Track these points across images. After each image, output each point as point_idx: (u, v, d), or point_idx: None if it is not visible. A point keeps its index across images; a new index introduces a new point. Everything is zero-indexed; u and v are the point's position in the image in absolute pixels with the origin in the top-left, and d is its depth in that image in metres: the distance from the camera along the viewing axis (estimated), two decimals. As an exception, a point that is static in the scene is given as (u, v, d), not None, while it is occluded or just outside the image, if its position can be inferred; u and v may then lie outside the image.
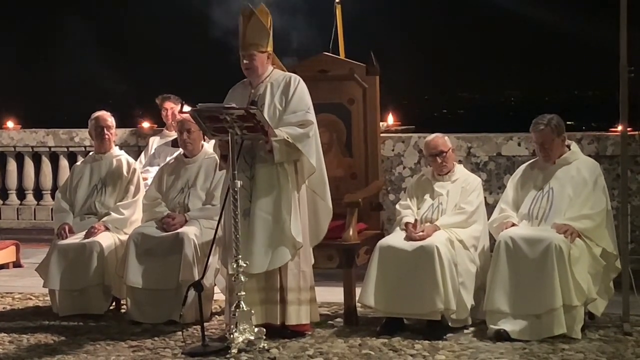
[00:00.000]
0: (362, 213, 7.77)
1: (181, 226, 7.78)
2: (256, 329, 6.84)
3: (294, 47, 8.27)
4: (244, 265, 6.83)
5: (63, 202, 8.37)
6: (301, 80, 7.23)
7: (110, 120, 8.45)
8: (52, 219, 10.03)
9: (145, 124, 11.29)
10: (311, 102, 7.20)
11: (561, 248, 6.93)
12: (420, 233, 7.23)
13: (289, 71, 7.41)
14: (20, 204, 12.28)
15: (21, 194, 12.33)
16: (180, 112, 9.60)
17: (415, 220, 7.39)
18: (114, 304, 8.16)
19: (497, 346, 6.86)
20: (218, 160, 7.50)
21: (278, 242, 7.04)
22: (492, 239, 7.45)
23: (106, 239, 8.00)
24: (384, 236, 7.63)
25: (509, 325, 6.99)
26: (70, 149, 11.92)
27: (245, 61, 7.16)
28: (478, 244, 7.42)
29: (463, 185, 7.59)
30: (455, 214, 7.44)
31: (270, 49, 7.21)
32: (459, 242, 7.29)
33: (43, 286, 8.12)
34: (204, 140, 8.14)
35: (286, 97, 7.15)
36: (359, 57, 8.26)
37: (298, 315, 7.14)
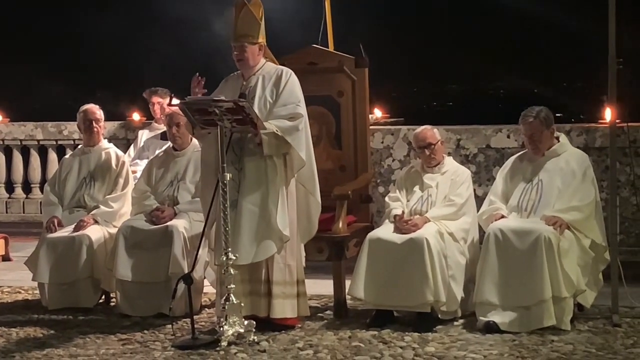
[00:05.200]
0: (351, 205, 7.77)
1: (170, 219, 7.78)
2: (246, 322, 6.84)
3: (283, 40, 8.27)
4: (234, 257, 6.83)
5: (52, 196, 8.36)
6: (293, 74, 7.22)
7: (99, 113, 8.44)
8: (41, 213, 10.00)
9: (136, 116, 11.26)
10: (302, 95, 7.19)
11: (550, 240, 6.94)
12: (408, 226, 7.24)
13: (278, 63, 7.40)
14: (9, 198, 12.24)
15: (10, 187, 12.29)
16: (169, 104, 9.58)
17: (402, 212, 7.39)
18: (103, 297, 8.15)
19: (486, 338, 6.87)
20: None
21: (264, 235, 7.04)
22: (482, 231, 7.46)
23: (95, 232, 7.99)
24: (373, 229, 7.64)
25: (499, 317, 7.00)
26: (59, 142, 11.89)
27: (235, 52, 7.17)
28: (467, 236, 7.43)
29: (452, 177, 7.60)
30: (445, 206, 7.45)
31: (262, 40, 7.21)
32: (448, 234, 7.29)
33: (32, 279, 8.11)
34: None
35: (277, 90, 7.15)
36: (348, 49, 8.25)
37: (283, 309, 7.13)
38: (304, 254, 7.31)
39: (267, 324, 7.10)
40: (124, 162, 8.41)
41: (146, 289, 7.70)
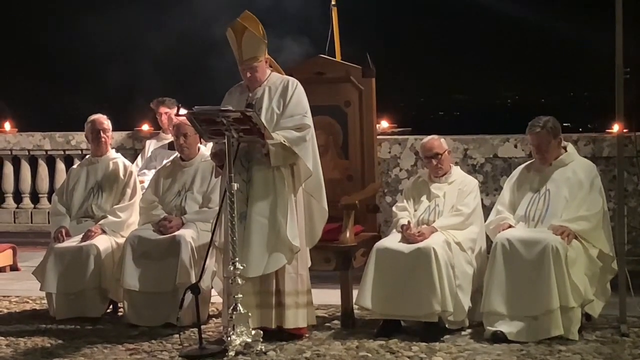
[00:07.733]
0: (358, 215, 7.77)
1: (178, 229, 7.78)
2: (253, 332, 6.84)
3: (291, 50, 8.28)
4: (241, 267, 6.84)
5: (60, 206, 8.37)
6: (299, 84, 7.22)
7: (107, 123, 8.45)
8: (48, 223, 10.03)
9: (145, 127, 11.28)
10: (309, 106, 7.19)
11: (558, 249, 6.93)
12: (417, 234, 7.24)
13: (285, 73, 7.41)
14: (17, 208, 12.27)
15: (18, 197, 12.32)
16: (177, 114, 9.58)
17: (409, 222, 7.39)
18: (111, 307, 8.16)
19: (494, 348, 6.86)
20: (214, 166, 7.49)
21: (274, 246, 7.04)
22: (489, 241, 7.45)
23: (103, 242, 7.99)
24: (380, 238, 7.63)
25: (506, 327, 7.00)
26: (67, 152, 11.91)
27: (248, 74, 7.15)
28: (475, 246, 7.42)
29: (460, 187, 7.60)
30: (452, 216, 7.45)
31: (267, 54, 7.21)
32: (456, 244, 7.29)
33: (40, 289, 8.12)
34: (201, 143, 8.15)
35: (284, 101, 7.15)
36: (355, 59, 8.26)
37: (296, 318, 7.14)
38: (309, 263, 7.31)
39: (275, 334, 7.09)
40: (131, 172, 8.42)
41: (154, 299, 7.70)
